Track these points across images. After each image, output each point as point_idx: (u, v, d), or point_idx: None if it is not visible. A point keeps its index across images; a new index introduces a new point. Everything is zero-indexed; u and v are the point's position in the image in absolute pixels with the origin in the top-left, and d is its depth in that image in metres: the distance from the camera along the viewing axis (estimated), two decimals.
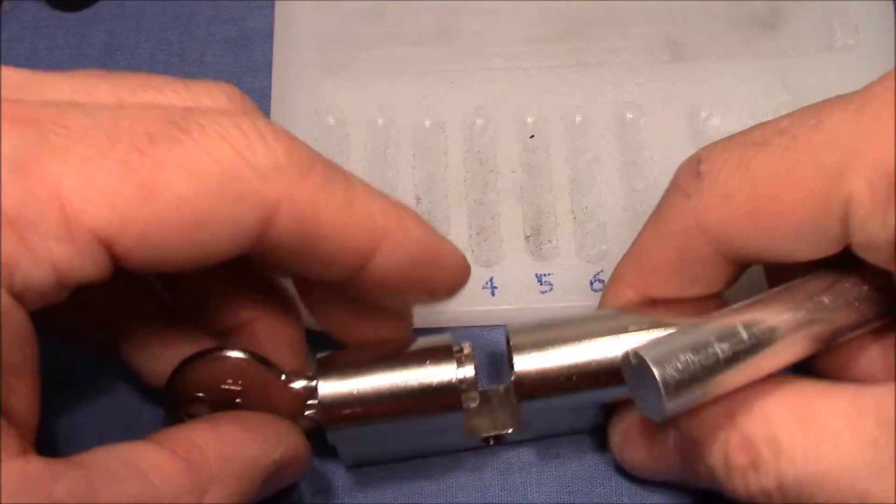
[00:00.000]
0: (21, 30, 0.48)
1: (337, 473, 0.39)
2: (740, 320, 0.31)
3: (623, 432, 0.37)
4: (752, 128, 0.33)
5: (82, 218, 0.26)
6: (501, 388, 0.38)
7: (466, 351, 0.35)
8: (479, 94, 0.45)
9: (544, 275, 0.41)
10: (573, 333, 0.35)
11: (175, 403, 0.35)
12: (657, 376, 0.30)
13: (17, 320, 0.26)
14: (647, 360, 0.30)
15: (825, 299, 0.32)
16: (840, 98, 0.31)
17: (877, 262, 0.30)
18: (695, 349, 0.30)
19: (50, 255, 0.26)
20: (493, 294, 0.41)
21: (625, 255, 0.36)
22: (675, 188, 0.34)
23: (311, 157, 0.30)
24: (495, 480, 0.39)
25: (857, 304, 0.33)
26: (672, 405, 0.30)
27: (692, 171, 0.33)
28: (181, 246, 0.28)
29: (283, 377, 0.34)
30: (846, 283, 0.33)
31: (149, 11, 0.49)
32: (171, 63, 0.47)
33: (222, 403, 0.34)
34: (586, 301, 0.41)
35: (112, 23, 0.48)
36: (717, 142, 0.33)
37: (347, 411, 0.34)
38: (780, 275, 0.35)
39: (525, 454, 0.39)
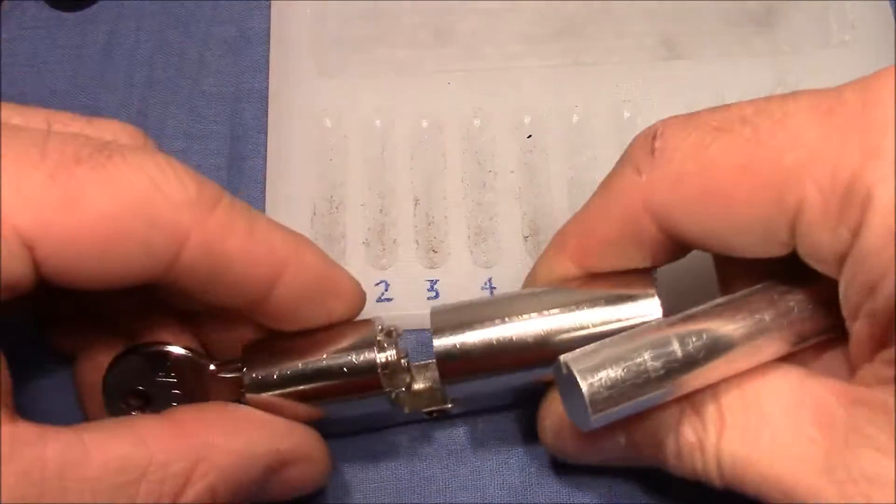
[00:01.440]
0: (21, 29, 0.48)
1: (335, 474, 0.39)
2: (675, 334, 0.31)
3: (558, 418, 0.36)
4: (715, 109, 0.32)
5: (9, 219, 0.28)
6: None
7: (393, 336, 0.36)
8: (477, 95, 0.45)
9: None
10: (495, 313, 0.35)
11: (113, 397, 0.36)
12: (584, 392, 0.30)
13: None
14: (575, 374, 0.30)
15: (766, 316, 0.32)
16: (811, 94, 0.30)
17: (823, 272, 0.30)
18: (626, 365, 0.31)
19: None
20: (492, 294, 0.41)
21: (567, 223, 0.36)
22: (628, 161, 0.33)
23: (218, 193, 0.32)
24: (495, 480, 0.39)
25: (800, 322, 0.32)
26: (597, 419, 0.31)
27: (647, 146, 0.32)
28: (97, 260, 0.30)
29: (213, 367, 0.36)
30: (791, 299, 0.32)
31: (149, 11, 0.49)
32: (171, 63, 0.47)
33: (161, 395, 0.36)
34: None
35: (112, 23, 0.48)
36: (677, 117, 0.33)
37: (273, 397, 0.35)
38: (728, 266, 0.35)
39: (524, 454, 0.39)
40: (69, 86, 0.47)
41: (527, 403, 0.38)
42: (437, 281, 0.41)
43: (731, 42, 0.46)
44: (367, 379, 0.35)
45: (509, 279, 0.41)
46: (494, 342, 0.34)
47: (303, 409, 0.35)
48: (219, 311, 0.35)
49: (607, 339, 0.32)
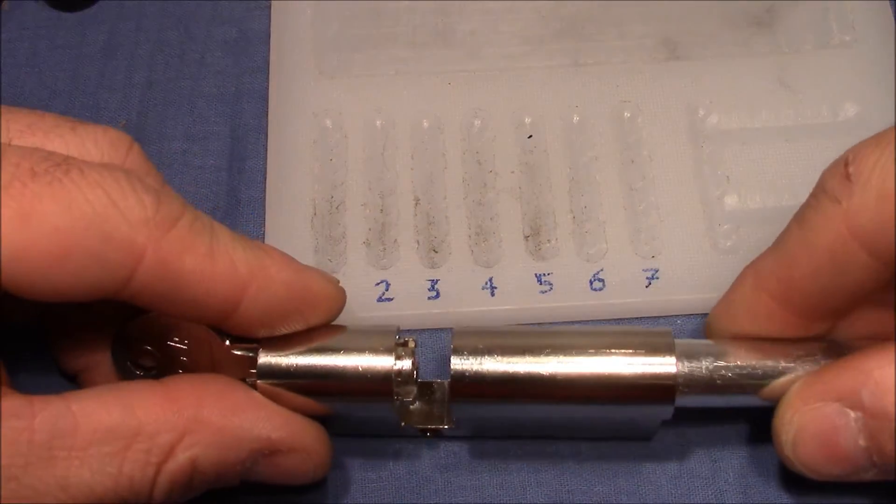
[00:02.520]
0: (21, 30, 0.48)
1: (333, 475, 0.39)
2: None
3: (798, 427, 0.34)
4: None
5: None
6: (446, 383, 0.38)
7: (410, 346, 0.36)
8: (477, 95, 0.45)
9: (544, 275, 0.42)
10: (516, 344, 0.35)
11: (123, 354, 0.36)
12: None
13: None
14: None
15: None
16: None
17: None
18: None
19: None
20: (492, 294, 0.41)
21: (765, 258, 0.35)
22: (822, 193, 0.32)
23: (178, 210, 0.32)
24: (494, 480, 0.39)
25: None
26: None
27: (840, 173, 0.32)
28: (50, 273, 0.30)
29: (227, 342, 0.36)
30: None
31: (149, 12, 0.49)
32: (171, 63, 0.47)
33: (169, 359, 0.36)
34: (586, 300, 0.41)
35: (112, 23, 0.48)
36: (865, 142, 0.32)
37: (282, 384, 0.35)
38: None
39: (524, 454, 0.39)
40: (69, 86, 0.47)
41: (524, 435, 0.39)
42: (437, 281, 0.41)
43: (731, 42, 0.46)
44: (379, 385, 0.35)
45: (510, 279, 0.41)
46: (509, 373, 0.35)
47: (308, 402, 0.35)
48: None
49: None
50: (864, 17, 0.46)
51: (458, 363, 0.35)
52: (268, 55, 0.47)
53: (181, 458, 0.32)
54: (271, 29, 0.48)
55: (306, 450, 0.35)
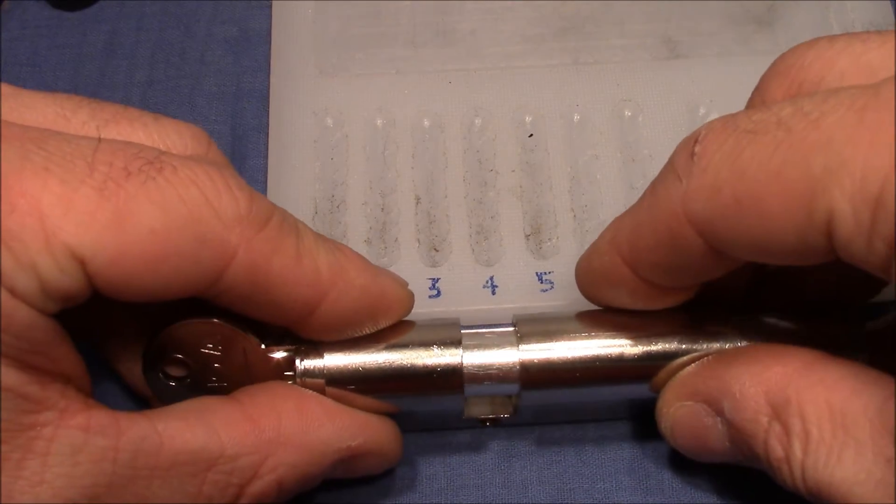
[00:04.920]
0: (22, 29, 0.48)
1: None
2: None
3: (673, 420, 0.35)
4: (757, 108, 0.30)
5: (60, 235, 0.27)
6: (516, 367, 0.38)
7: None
8: (478, 94, 0.45)
9: (545, 273, 0.42)
10: (580, 328, 0.35)
11: (154, 362, 0.35)
12: None
13: (24, 313, 0.27)
14: None
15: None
16: (851, 91, 0.27)
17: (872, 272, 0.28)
18: None
19: (34, 265, 0.27)
20: (493, 293, 0.41)
21: (623, 218, 0.34)
22: (670, 166, 0.31)
23: (269, 209, 0.32)
24: (496, 479, 0.39)
25: None
26: None
27: (688, 150, 0.30)
28: (145, 275, 0.29)
29: (263, 346, 0.35)
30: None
31: (149, 11, 0.49)
32: (172, 62, 0.47)
33: (202, 366, 0.35)
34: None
35: (112, 22, 0.49)
36: (720, 120, 0.30)
37: (351, 384, 0.35)
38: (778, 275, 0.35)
39: (526, 452, 0.39)
40: (70, 85, 0.47)
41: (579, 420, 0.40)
42: (438, 279, 0.41)
43: (732, 41, 0.46)
44: (450, 379, 0.35)
45: (511, 277, 0.41)
46: (577, 356, 0.35)
47: (377, 402, 0.35)
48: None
49: None
50: (864, 15, 0.46)
51: (528, 349, 0.35)
52: (268, 54, 0.47)
53: (266, 479, 0.32)
54: (272, 28, 0.48)
55: (382, 450, 0.36)
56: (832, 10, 0.46)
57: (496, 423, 0.39)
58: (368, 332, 0.35)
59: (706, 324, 0.35)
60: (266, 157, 0.45)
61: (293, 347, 0.35)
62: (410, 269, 0.42)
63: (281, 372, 0.35)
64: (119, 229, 0.28)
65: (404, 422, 0.37)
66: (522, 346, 0.35)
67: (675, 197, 0.30)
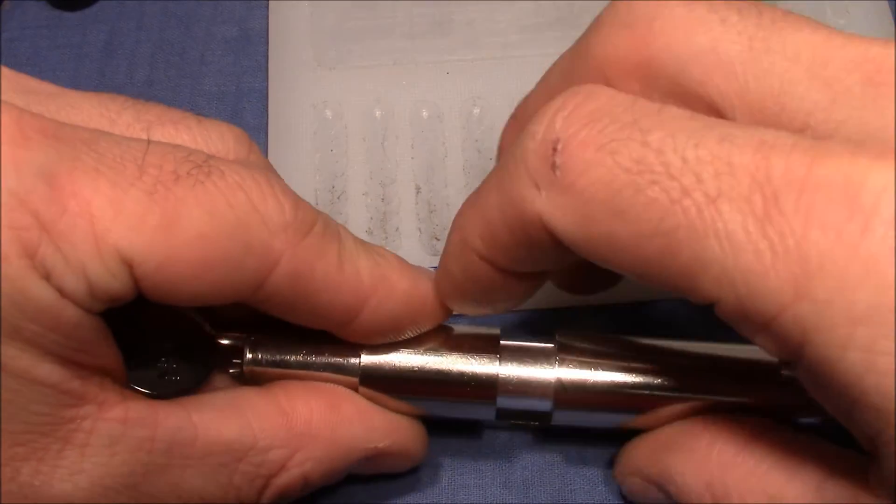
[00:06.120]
0: (22, 29, 0.49)
1: None
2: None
3: (628, 487, 0.36)
4: (630, 136, 0.27)
5: (109, 237, 0.27)
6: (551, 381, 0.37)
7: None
8: (475, 84, 0.45)
9: None
10: (620, 353, 0.35)
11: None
12: None
13: (71, 313, 0.28)
14: None
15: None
16: (747, 187, 0.25)
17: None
18: None
19: (83, 266, 0.27)
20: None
21: (469, 215, 0.32)
22: (524, 167, 0.28)
23: (312, 215, 0.31)
24: (497, 479, 0.39)
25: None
26: None
27: (547, 157, 0.28)
28: (191, 281, 0.29)
29: (213, 332, 0.35)
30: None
31: (149, 11, 0.49)
32: (172, 62, 0.48)
33: (156, 343, 0.34)
34: None
35: (112, 22, 0.49)
36: (581, 124, 0.27)
37: (385, 385, 0.35)
38: None
39: (527, 453, 0.39)
40: (70, 84, 0.46)
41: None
42: None
43: None
44: (484, 390, 0.35)
45: None
46: (614, 384, 0.34)
47: (409, 405, 0.35)
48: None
49: None
50: (863, 16, 0.46)
51: (566, 371, 0.34)
52: (268, 52, 0.47)
53: (293, 472, 0.32)
54: (269, 19, 0.48)
55: (408, 452, 0.36)
56: (830, 9, 0.46)
57: (528, 427, 0.39)
58: (410, 336, 0.34)
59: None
60: (266, 150, 0.45)
61: (243, 336, 0.35)
62: (412, 258, 0.41)
63: (230, 359, 0.35)
64: (168, 233, 0.28)
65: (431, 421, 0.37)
66: (560, 366, 0.35)
67: (531, 204, 0.28)
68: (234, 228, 0.29)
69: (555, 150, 0.27)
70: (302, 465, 0.32)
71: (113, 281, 0.28)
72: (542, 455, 0.39)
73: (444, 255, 0.33)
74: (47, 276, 0.27)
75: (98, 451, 0.29)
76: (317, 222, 0.31)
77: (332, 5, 0.47)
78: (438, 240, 0.42)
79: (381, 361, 0.35)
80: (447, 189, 0.43)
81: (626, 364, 0.34)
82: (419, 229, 0.42)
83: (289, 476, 0.32)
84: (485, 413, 0.36)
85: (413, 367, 0.35)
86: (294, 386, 0.34)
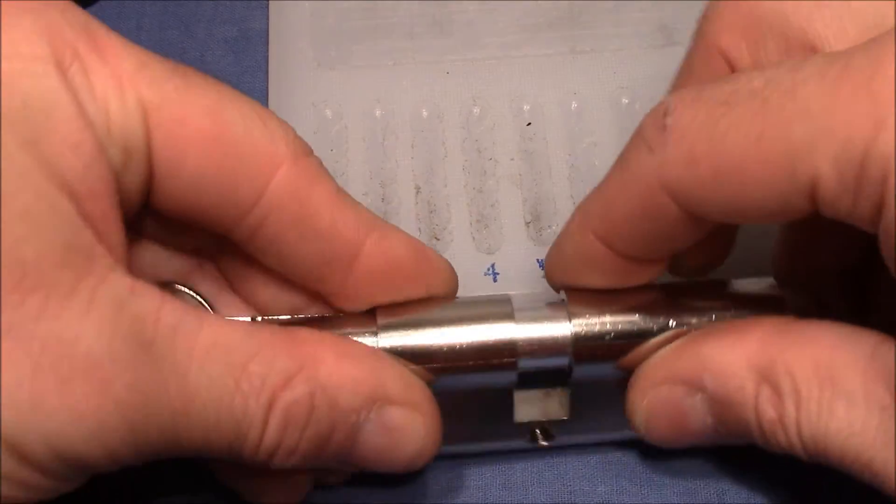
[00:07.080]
0: None
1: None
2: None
3: (648, 410, 0.35)
4: (726, 79, 0.30)
5: (131, 81, 0.30)
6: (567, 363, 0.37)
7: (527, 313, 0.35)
8: (475, 84, 0.45)
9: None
10: (628, 298, 0.35)
11: None
12: None
13: (89, 141, 0.29)
14: None
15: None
16: (821, 60, 0.28)
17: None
18: None
19: (105, 96, 0.29)
20: (494, 280, 0.42)
21: (589, 199, 0.34)
22: (640, 139, 0.31)
23: (310, 149, 0.33)
24: (496, 479, 0.39)
25: None
26: None
27: (658, 122, 0.30)
28: (199, 153, 0.30)
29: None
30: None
31: (149, 11, 0.49)
32: None
33: None
34: None
35: (112, 22, 0.47)
36: (688, 90, 0.31)
37: (401, 354, 0.34)
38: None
39: (527, 453, 0.39)
40: None
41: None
42: None
43: None
44: (502, 352, 0.34)
45: (512, 264, 0.42)
46: (629, 330, 0.34)
47: (426, 375, 0.34)
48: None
49: None
50: None
51: (580, 324, 0.34)
52: (268, 52, 0.47)
53: (299, 389, 0.31)
54: (269, 20, 0.48)
55: (418, 405, 0.33)
56: None
57: (548, 436, 0.38)
58: (421, 294, 0.34)
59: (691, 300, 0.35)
60: None
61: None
62: None
63: None
64: (184, 95, 0.30)
65: (452, 427, 0.35)
66: (575, 320, 0.34)
67: (649, 169, 0.30)
68: (242, 118, 0.31)
69: (665, 114, 0.30)
70: (307, 382, 0.31)
71: (128, 120, 0.29)
72: (542, 455, 0.39)
73: (561, 235, 0.35)
74: (75, 92, 0.28)
75: (105, 305, 0.28)
76: (313, 155, 0.33)
77: (333, 5, 0.47)
78: (438, 240, 0.42)
79: (397, 338, 0.34)
80: (447, 189, 0.43)
81: (636, 305, 0.34)
82: (419, 229, 0.42)
83: (294, 393, 0.31)
84: (505, 378, 0.35)
85: (428, 337, 0.34)
86: (304, 327, 0.33)
